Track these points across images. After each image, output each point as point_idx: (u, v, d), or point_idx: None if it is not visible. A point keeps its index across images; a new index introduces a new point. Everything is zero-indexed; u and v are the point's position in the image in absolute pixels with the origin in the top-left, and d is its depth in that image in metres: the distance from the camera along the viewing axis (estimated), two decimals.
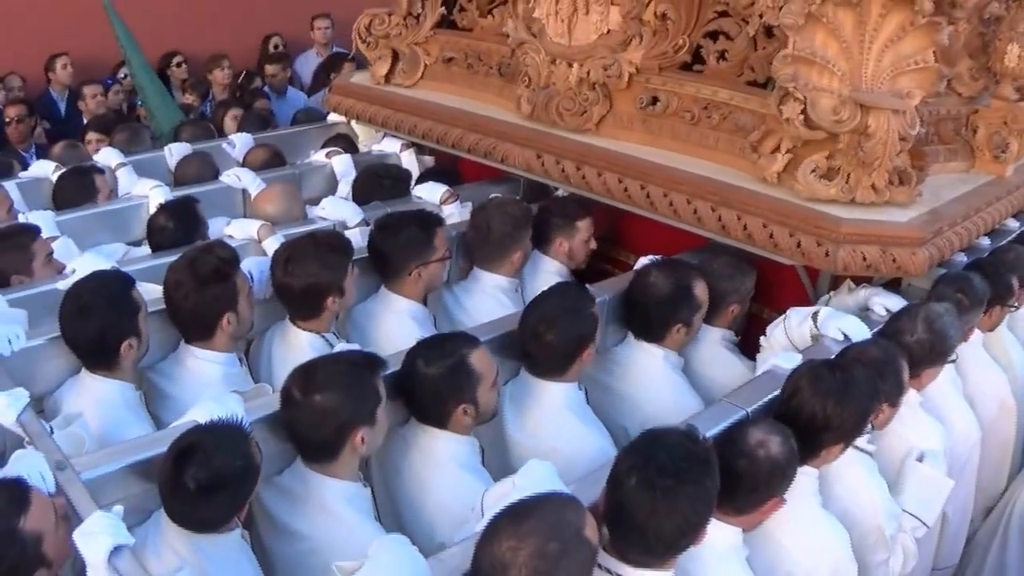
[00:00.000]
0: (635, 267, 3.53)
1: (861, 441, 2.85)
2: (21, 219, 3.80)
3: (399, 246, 3.38)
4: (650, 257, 3.54)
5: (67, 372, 2.91)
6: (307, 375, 2.46)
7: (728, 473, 2.20)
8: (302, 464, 2.50)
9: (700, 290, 3.33)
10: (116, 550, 1.97)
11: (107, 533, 1.99)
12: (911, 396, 3.06)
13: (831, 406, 2.55)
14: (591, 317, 3.01)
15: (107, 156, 4.52)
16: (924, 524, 2.98)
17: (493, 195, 4.01)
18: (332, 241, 3.19)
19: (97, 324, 2.77)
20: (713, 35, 3.89)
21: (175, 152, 4.68)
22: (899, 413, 3.01)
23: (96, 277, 2.88)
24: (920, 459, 3.01)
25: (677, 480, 2.01)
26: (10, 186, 4.18)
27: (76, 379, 2.88)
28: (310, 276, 3.08)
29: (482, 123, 4.41)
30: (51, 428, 2.49)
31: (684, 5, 3.90)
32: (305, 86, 7.99)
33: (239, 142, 4.86)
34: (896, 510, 2.89)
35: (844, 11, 3.33)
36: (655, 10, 3.94)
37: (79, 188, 4.10)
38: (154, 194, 4.05)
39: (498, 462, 2.90)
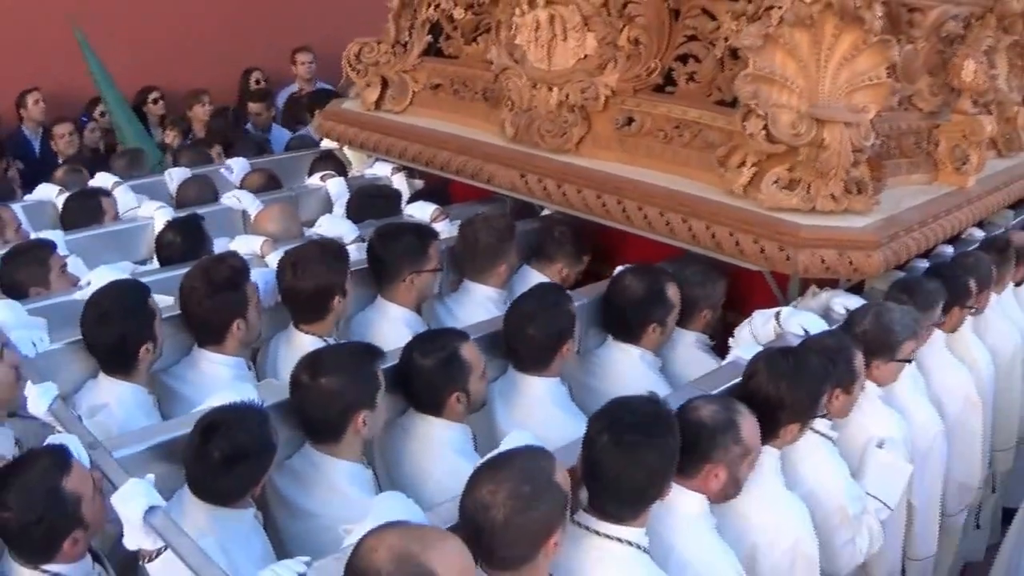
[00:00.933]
0: (615, 273, 3.85)
1: (824, 427, 3.16)
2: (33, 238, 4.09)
3: (396, 252, 3.71)
4: (626, 265, 3.86)
5: (85, 375, 3.18)
6: (314, 361, 2.77)
7: None
8: (310, 447, 2.79)
9: (672, 292, 3.65)
10: (150, 510, 2.26)
11: (142, 495, 2.28)
12: (871, 389, 3.37)
13: (784, 386, 2.87)
14: (568, 313, 3.33)
15: (103, 179, 4.84)
16: (887, 506, 3.27)
17: (479, 211, 4.33)
18: (333, 247, 3.53)
19: (117, 330, 3.07)
20: (683, 58, 4.21)
21: (175, 176, 5.01)
22: (860, 406, 3.32)
23: (115, 286, 3.19)
24: (880, 446, 3.31)
25: (643, 435, 2.34)
26: (15, 208, 4.48)
27: (94, 382, 3.16)
28: (318, 277, 3.40)
29: (468, 146, 4.73)
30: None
31: (655, 31, 4.22)
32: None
33: (236, 167, 5.18)
34: (859, 492, 3.18)
35: (800, 32, 3.65)
36: (628, 36, 4.27)
37: (86, 209, 4.41)
38: (159, 215, 4.37)
39: (489, 450, 3.17)
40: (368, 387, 2.78)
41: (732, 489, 2.73)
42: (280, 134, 7.41)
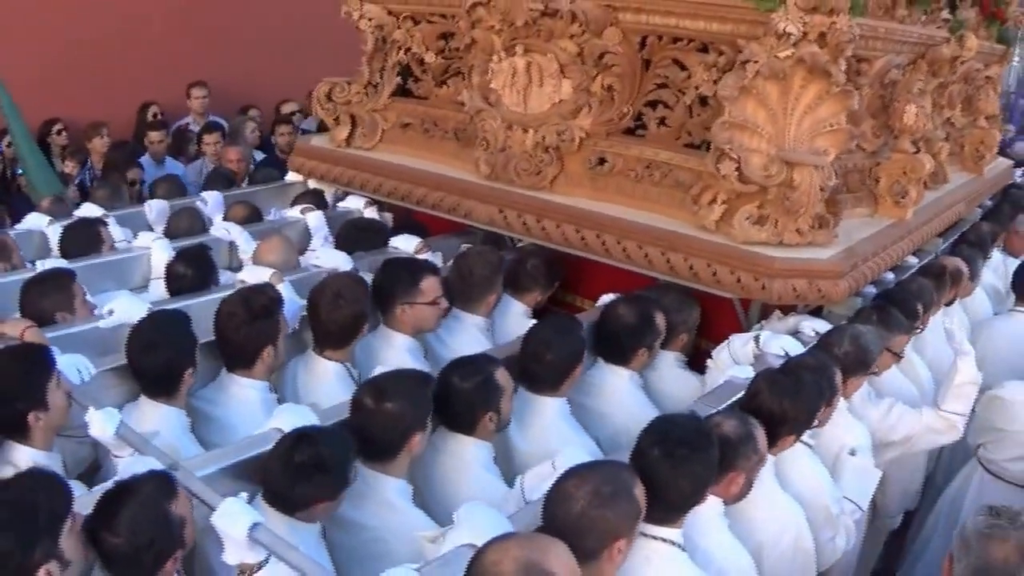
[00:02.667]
0: (599, 303, 4.17)
1: (806, 437, 3.52)
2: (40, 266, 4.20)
3: (388, 284, 3.95)
4: (611, 295, 4.18)
5: (122, 399, 3.34)
6: (377, 387, 3.01)
7: None
8: (362, 465, 3.01)
9: (660, 319, 3.99)
10: (253, 527, 2.45)
11: (244, 513, 2.48)
12: (841, 403, 3.75)
13: (787, 403, 3.22)
14: (581, 339, 3.65)
15: (88, 209, 4.95)
16: (859, 507, 3.66)
17: (464, 245, 4.61)
18: (363, 281, 3.75)
19: (163, 356, 3.25)
20: (653, 104, 4.60)
21: (154, 208, 5.15)
22: (832, 417, 3.70)
23: (161, 315, 3.36)
24: (852, 453, 3.70)
25: (690, 449, 2.67)
26: None
27: (135, 405, 3.33)
28: (355, 307, 3.64)
29: (445, 182, 5.01)
30: None
31: (628, 78, 4.59)
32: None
33: (210, 199, 5.36)
34: (838, 493, 3.56)
35: (771, 84, 4.05)
36: (602, 83, 4.62)
37: (86, 239, 4.54)
38: (156, 245, 4.52)
39: (504, 467, 3.44)
40: (424, 411, 3.05)
41: (745, 492, 3.06)
42: (173, 165, 7.66)
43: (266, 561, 2.47)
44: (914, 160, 4.73)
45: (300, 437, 2.73)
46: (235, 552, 2.47)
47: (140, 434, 2.93)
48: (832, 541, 3.53)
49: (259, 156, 7.87)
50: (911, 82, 4.92)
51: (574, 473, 2.48)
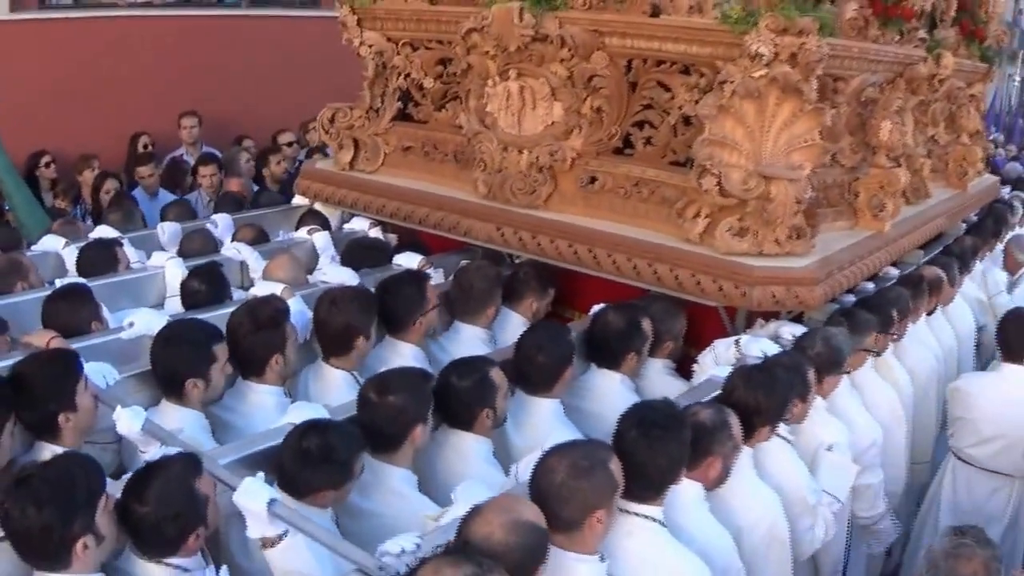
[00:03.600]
0: (590, 313, 4.49)
1: (784, 432, 3.85)
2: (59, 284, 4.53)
3: (403, 303, 4.30)
4: (601, 305, 4.51)
5: (146, 404, 3.64)
6: (381, 382, 3.36)
7: None
8: (370, 456, 3.33)
9: (646, 325, 4.32)
10: (271, 502, 2.78)
11: (262, 490, 2.81)
12: (818, 401, 4.09)
13: (760, 396, 3.57)
14: (570, 343, 4.00)
15: (103, 231, 5.33)
16: (837, 500, 3.97)
17: (464, 261, 4.95)
18: (366, 293, 4.10)
19: (182, 359, 3.59)
20: (640, 124, 4.95)
21: (167, 230, 5.52)
22: (810, 416, 4.02)
23: (183, 323, 3.71)
24: (829, 449, 4.02)
25: (664, 429, 3.02)
26: None
27: (156, 409, 3.64)
28: (348, 315, 3.97)
29: (445, 202, 5.37)
30: None
31: (615, 101, 4.95)
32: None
33: (221, 222, 5.71)
34: (815, 485, 3.87)
35: (748, 103, 4.39)
36: (591, 105, 4.98)
37: (103, 258, 4.89)
38: (170, 265, 4.88)
39: (503, 464, 3.74)
40: (425, 404, 3.38)
41: (723, 477, 3.38)
42: (165, 196, 7.69)
43: (285, 534, 2.79)
44: (890, 174, 5.07)
45: (310, 427, 3.07)
46: (257, 526, 2.80)
47: (166, 429, 3.26)
48: (811, 530, 3.84)
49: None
50: (890, 100, 5.28)
51: (556, 450, 2.83)
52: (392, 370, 3.47)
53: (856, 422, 4.30)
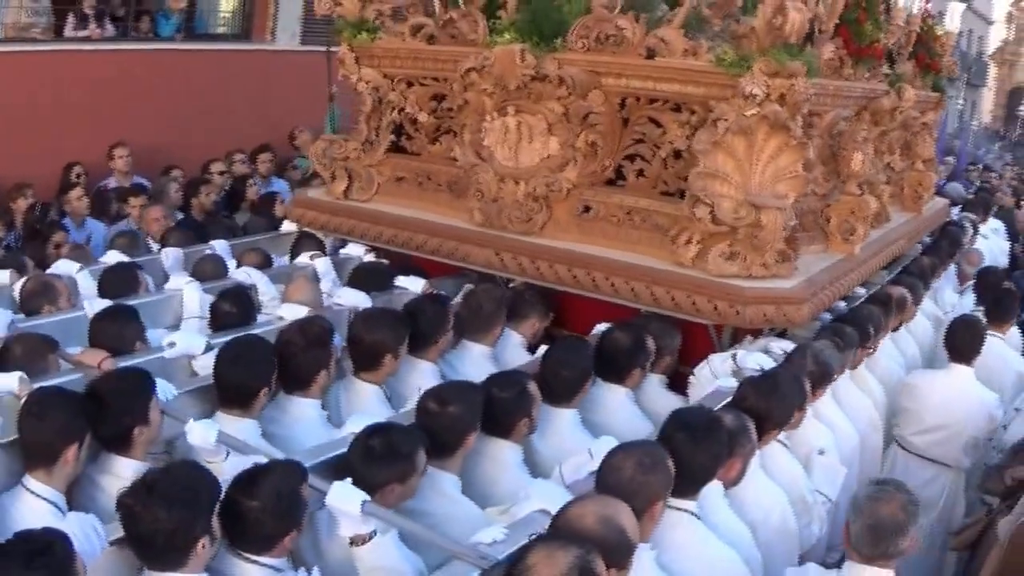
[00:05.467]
0: (594, 332, 5.06)
1: (782, 437, 4.45)
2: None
3: (429, 324, 4.81)
4: (604, 324, 5.08)
5: (201, 417, 4.04)
6: (441, 393, 3.86)
7: None
8: None
9: (650, 342, 4.89)
10: (364, 503, 3.25)
11: (355, 492, 3.27)
12: (807, 409, 4.70)
13: (771, 403, 4.16)
14: (590, 359, 4.56)
15: (112, 256, 5.87)
16: (829, 499, 4.57)
17: (468, 285, 5.49)
18: (398, 314, 4.61)
19: (245, 375, 4.06)
20: (632, 157, 5.54)
21: (170, 256, 5.99)
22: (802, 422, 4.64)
23: (246, 339, 4.21)
24: (821, 453, 4.63)
25: (707, 431, 3.58)
26: None
27: (204, 423, 4.01)
28: (384, 335, 4.50)
29: (442, 229, 5.91)
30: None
31: (609, 135, 5.53)
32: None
33: (219, 247, 6.19)
34: (811, 486, 4.47)
35: (738, 138, 5.00)
36: (586, 139, 5.55)
37: (124, 281, 5.36)
38: (187, 288, 5.34)
39: (529, 469, 4.28)
40: (477, 414, 3.89)
41: (740, 477, 3.96)
42: (94, 226, 8.11)
43: (374, 533, 3.26)
44: (860, 201, 5.74)
45: (375, 428, 3.56)
46: (349, 525, 3.25)
47: (238, 439, 3.73)
48: (808, 527, 4.42)
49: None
50: (856, 131, 5.96)
51: (620, 450, 3.37)
52: (449, 383, 4.01)
53: (838, 427, 4.94)
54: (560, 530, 2.98)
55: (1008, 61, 52.74)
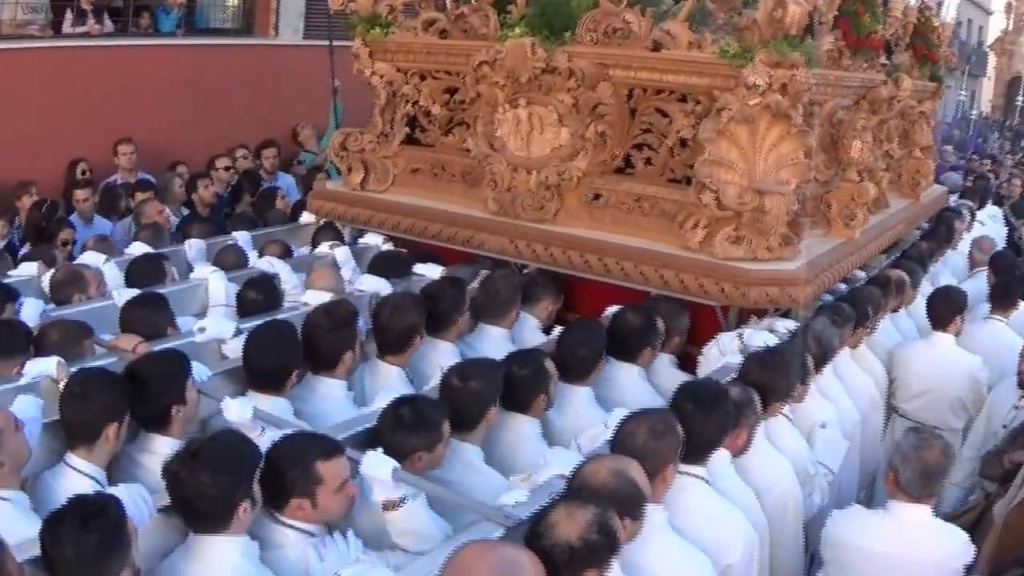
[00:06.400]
0: (607, 313, 5.26)
1: (786, 411, 4.65)
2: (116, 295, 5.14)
3: (446, 306, 5.02)
4: (615, 306, 5.28)
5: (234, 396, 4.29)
6: (463, 369, 4.07)
7: None
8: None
9: (659, 323, 5.10)
10: (394, 470, 3.45)
11: (386, 460, 3.47)
12: (810, 385, 4.90)
13: (775, 376, 4.37)
14: (604, 338, 4.77)
15: (137, 247, 6.04)
16: (831, 471, 4.77)
17: (483, 271, 5.69)
18: (421, 299, 4.83)
19: (277, 357, 4.25)
20: (640, 146, 5.76)
21: (193, 247, 6.20)
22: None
23: (275, 323, 4.41)
24: (823, 427, 4.83)
25: (714, 401, 3.80)
26: None
27: (240, 400, 4.21)
28: (411, 318, 4.69)
29: (458, 218, 6.12)
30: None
31: (617, 125, 5.74)
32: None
33: (240, 239, 6.39)
34: (814, 458, 4.68)
35: (742, 127, 5.21)
36: (596, 130, 5.76)
37: (152, 271, 5.56)
38: (212, 277, 5.54)
39: (547, 444, 4.47)
40: (498, 389, 4.10)
41: (746, 447, 4.17)
42: (101, 224, 8.04)
43: (404, 499, 3.46)
44: (860, 188, 5.95)
45: (404, 399, 3.78)
46: (382, 491, 3.45)
47: (273, 415, 3.93)
48: (810, 497, 4.62)
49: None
50: (855, 120, 6.16)
51: (633, 418, 3.58)
52: (471, 360, 4.23)
53: (840, 404, 5.15)
54: (576, 486, 3.20)
55: (1007, 51, 52.84)
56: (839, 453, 4.83)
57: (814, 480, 4.64)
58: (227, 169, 9.39)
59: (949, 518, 4.67)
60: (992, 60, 53.25)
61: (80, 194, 8.12)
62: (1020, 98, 37.47)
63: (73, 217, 7.94)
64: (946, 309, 6.10)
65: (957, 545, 4.04)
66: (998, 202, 12.73)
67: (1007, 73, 52.65)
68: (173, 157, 9.50)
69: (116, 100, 9.48)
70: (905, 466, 3.99)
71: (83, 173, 8.76)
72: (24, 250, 6.91)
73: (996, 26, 53.66)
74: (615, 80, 5.67)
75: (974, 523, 4.84)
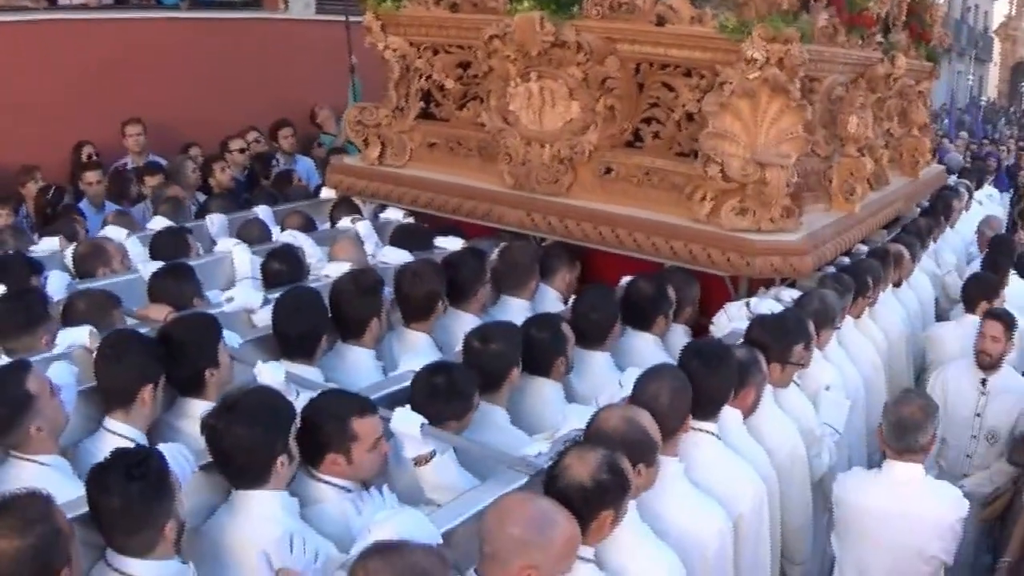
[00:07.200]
0: (621, 283, 5.43)
1: (794, 376, 4.84)
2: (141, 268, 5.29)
3: (467, 276, 5.19)
4: (628, 276, 5.45)
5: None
6: (484, 332, 4.25)
7: None
8: None
9: (671, 291, 5.28)
10: (423, 425, 3.64)
11: (415, 416, 3.64)
12: (816, 353, 5.08)
13: (770, 336, 4.57)
14: (617, 304, 4.97)
15: (158, 222, 6.20)
16: (836, 431, 4.95)
17: (503, 244, 5.87)
18: (440, 267, 5.00)
19: (306, 323, 4.41)
20: (648, 120, 5.92)
21: (215, 222, 6.35)
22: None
23: (303, 290, 4.58)
24: (828, 389, 5.01)
25: (719, 358, 4.00)
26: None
27: (272, 364, 4.34)
28: (431, 284, 4.86)
29: (476, 192, 6.30)
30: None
31: (626, 100, 5.92)
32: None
33: (262, 213, 6.56)
34: (819, 419, 4.86)
35: (744, 101, 5.38)
36: (605, 104, 5.94)
37: (177, 244, 5.71)
38: (237, 250, 5.70)
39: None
40: (519, 350, 4.26)
41: (755, 406, 4.36)
42: (111, 208, 7.55)
43: (433, 454, 3.65)
44: (858, 162, 6.13)
45: (437, 367, 3.94)
46: (412, 446, 3.63)
47: (307, 379, 4.10)
48: (818, 457, 4.80)
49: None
50: (853, 97, 6.33)
51: (652, 376, 3.78)
52: (490, 323, 4.42)
53: (844, 369, 5.33)
54: (591, 434, 3.40)
55: (1011, 36, 52.95)
56: (844, 413, 5.00)
57: (821, 441, 4.82)
58: (242, 151, 9.08)
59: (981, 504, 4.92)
60: (997, 45, 53.28)
61: (90, 176, 7.80)
62: None
63: (83, 204, 7.67)
64: (977, 293, 6.31)
65: (949, 501, 4.28)
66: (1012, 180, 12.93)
67: (1011, 59, 52.76)
68: (181, 138, 9.20)
69: (118, 77, 9.04)
70: (885, 420, 4.31)
71: (89, 157, 8.35)
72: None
73: (1000, 11, 53.69)
74: (622, 54, 5.84)
75: (1004, 510, 5.06)
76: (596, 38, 5.84)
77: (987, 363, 5.69)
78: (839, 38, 6.37)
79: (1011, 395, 5.67)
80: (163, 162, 8.56)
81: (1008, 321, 5.65)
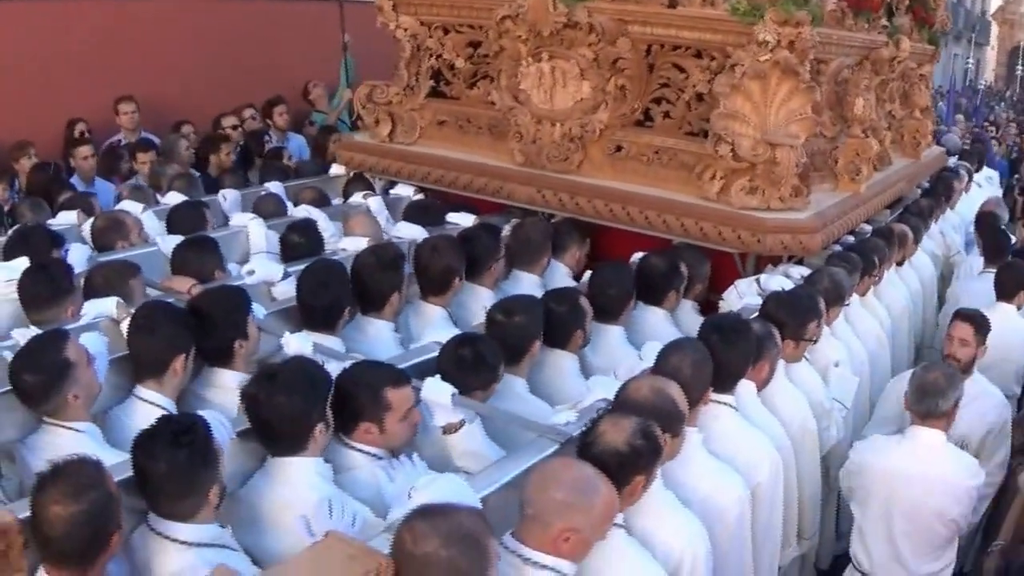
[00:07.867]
0: (633, 259, 5.53)
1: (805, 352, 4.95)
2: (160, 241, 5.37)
3: (482, 251, 5.28)
4: (640, 253, 5.55)
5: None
6: (507, 305, 4.35)
7: None
8: None
9: (683, 267, 5.38)
10: (453, 394, 3.73)
11: (445, 386, 3.73)
12: (824, 329, 5.19)
13: (786, 313, 4.67)
14: (632, 278, 5.07)
15: (172, 197, 6.26)
16: (844, 406, 5.07)
17: (515, 220, 5.96)
18: (457, 242, 5.09)
19: (331, 295, 4.48)
20: (658, 100, 6.01)
21: (229, 197, 6.42)
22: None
23: (326, 262, 4.67)
24: (836, 365, 5.13)
25: (737, 333, 4.11)
26: None
27: (299, 335, 4.39)
28: (448, 259, 4.95)
29: (487, 169, 6.39)
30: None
31: (636, 80, 6.00)
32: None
33: (273, 188, 6.65)
34: (829, 394, 4.97)
35: (754, 82, 5.47)
36: (616, 83, 6.03)
37: (194, 217, 5.77)
38: (252, 224, 5.77)
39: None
40: (540, 323, 4.36)
41: (770, 378, 4.47)
42: (103, 187, 7.58)
43: (462, 423, 3.75)
44: (863, 143, 6.24)
45: (465, 339, 4.03)
46: (442, 415, 3.73)
47: (334, 349, 4.19)
48: (827, 431, 4.92)
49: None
50: (859, 79, 6.44)
51: (674, 349, 3.88)
52: (512, 296, 4.51)
53: (851, 346, 5.45)
54: (622, 403, 3.51)
55: (1009, 20, 53.13)
56: (852, 389, 5.12)
57: (830, 415, 4.94)
58: (235, 128, 8.93)
59: None
60: (995, 29, 53.43)
61: (82, 151, 7.81)
62: (1020, 68, 37.65)
63: (74, 179, 7.65)
64: (1014, 283, 6.30)
65: (966, 466, 4.44)
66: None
67: (1009, 42, 52.94)
68: (174, 116, 8.97)
69: (112, 54, 8.93)
70: (910, 385, 4.48)
71: (81, 134, 8.30)
72: None
73: None
74: (633, 36, 5.92)
75: (998, 491, 5.18)
76: (608, 19, 5.92)
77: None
78: (846, 21, 6.47)
79: (982, 401, 5.23)
80: (155, 139, 8.55)
81: (979, 323, 5.28)
